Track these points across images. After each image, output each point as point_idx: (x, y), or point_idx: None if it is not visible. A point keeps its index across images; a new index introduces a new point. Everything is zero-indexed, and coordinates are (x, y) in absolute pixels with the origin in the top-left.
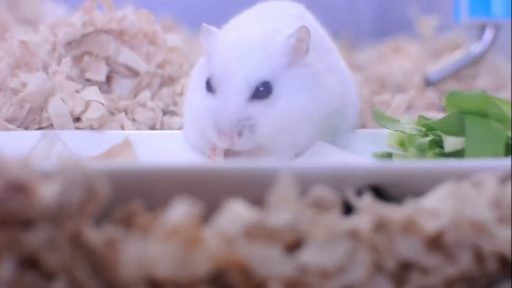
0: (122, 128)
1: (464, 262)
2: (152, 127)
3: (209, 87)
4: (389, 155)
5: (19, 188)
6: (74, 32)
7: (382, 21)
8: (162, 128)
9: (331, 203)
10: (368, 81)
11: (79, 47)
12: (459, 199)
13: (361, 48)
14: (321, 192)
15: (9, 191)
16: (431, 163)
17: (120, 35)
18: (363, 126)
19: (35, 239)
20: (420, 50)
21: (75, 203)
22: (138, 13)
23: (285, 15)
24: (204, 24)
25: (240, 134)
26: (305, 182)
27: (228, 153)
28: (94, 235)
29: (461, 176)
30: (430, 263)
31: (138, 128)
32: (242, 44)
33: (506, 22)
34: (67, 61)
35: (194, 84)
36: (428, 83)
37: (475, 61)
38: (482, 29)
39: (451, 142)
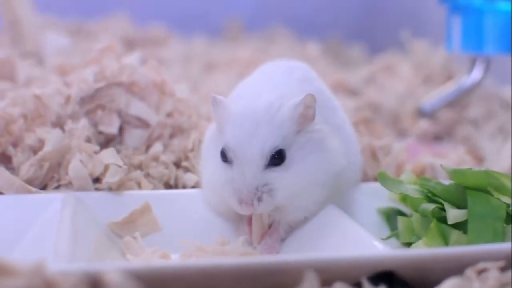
0: (139, 186)
1: None
2: (167, 182)
3: (225, 157)
4: (392, 211)
5: None
6: (87, 88)
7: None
8: (176, 184)
9: None
10: (361, 108)
11: (92, 101)
12: None
13: (349, 47)
14: None
15: None
16: (437, 251)
17: (130, 86)
18: (365, 173)
19: None
20: (412, 72)
21: None
22: (147, 65)
23: (290, 79)
24: (212, 95)
25: (260, 199)
26: (325, 272)
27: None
28: None
29: (465, 261)
30: None
31: (153, 185)
32: (252, 116)
33: (497, 56)
34: (84, 122)
35: (208, 152)
36: (423, 114)
37: (467, 92)
38: (473, 60)
39: (454, 215)
